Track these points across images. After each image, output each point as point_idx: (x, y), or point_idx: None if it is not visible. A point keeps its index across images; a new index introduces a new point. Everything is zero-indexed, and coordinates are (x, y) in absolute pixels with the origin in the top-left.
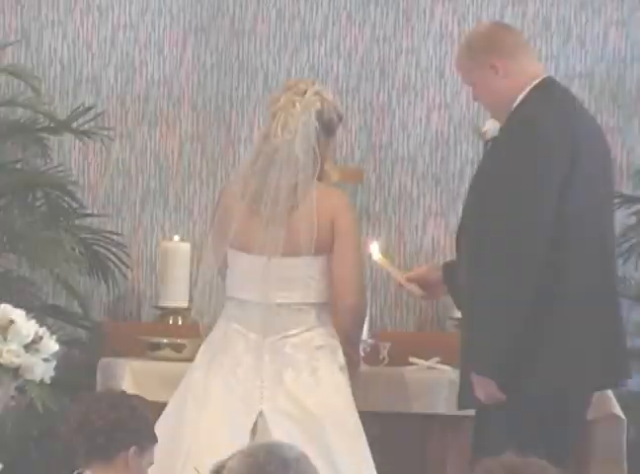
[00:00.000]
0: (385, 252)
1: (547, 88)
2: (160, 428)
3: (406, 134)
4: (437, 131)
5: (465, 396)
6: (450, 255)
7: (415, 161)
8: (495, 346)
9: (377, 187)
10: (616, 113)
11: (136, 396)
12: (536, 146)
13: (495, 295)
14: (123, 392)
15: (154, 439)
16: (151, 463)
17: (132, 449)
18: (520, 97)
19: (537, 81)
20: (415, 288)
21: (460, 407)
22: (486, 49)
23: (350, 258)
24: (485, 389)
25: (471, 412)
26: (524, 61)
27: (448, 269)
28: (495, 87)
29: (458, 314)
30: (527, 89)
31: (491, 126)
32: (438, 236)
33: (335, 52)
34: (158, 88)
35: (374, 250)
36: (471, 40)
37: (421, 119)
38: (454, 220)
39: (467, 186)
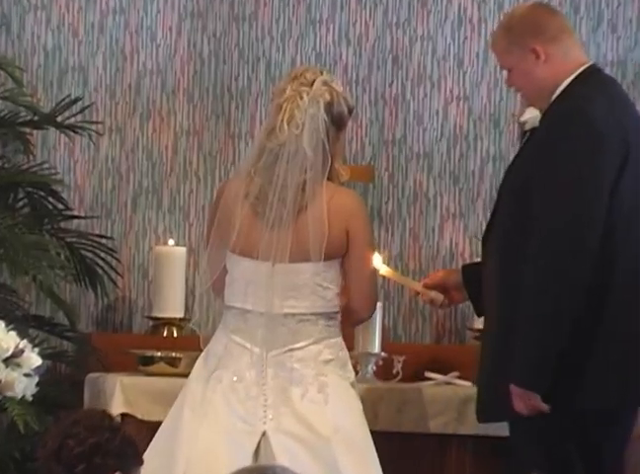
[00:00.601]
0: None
1: (594, 76)
2: (156, 444)
3: (421, 129)
4: (455, 125)
5: (493, 408)
6: (470, 260)
7: (431, 158)
8: (540, 356)
9: (390, 186)
10: None
11: (123, 415)
12: (591, 138)
13: (543, 301)
14: (104, 412)
15: (139, 462)
16: None
17: None
18: (563, 85)
19: (582, 69)
20: (436, 295)
21: (486, 419)
22: (527, 32)
23: (367, 269)
24: (526, 402)
25: (494, 431)
26: (568, 47)
27: (469, 271)
28: (535, 73)
29: (479, 324)
30: (571, 77)
31: (531, 116)
32: (456, 240)
33: (344, 39)
34: (151, 78)
35: (378, 262)
36: (511, 22)
37: (438, 112)
38: (474, 222)
39: (488, 184)
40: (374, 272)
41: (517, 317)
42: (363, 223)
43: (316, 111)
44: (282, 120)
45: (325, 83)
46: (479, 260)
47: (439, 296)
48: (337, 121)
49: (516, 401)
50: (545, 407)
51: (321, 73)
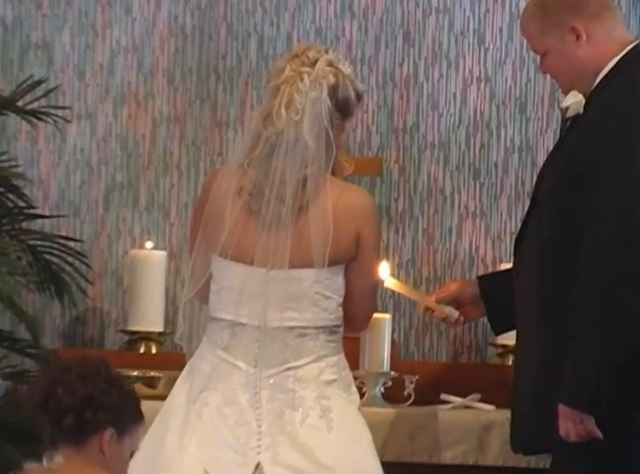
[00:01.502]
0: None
1: None
2: (135, 463)
3: (436, 115)
4: (475, 111)
5: (535, 435)
6: (493, 265)
7: (447, 148)
8: (601, 370)
9: (401, 181)
10: None
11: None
12: None
13: (609, 306)
14: (101, 360)
15: (139, 420)
16: (134, 450)
17: (109, 432)
18: (608, 68)
19: (629, 48)
20: (450, 311)
21: (525, 448)
22: (565, 9)
23: (375, 277)
24: (577, 425)
25: (520, 462)
26: (612, 24)
27: (487, 283)
28: (576, 55)
29: (502, 340)
30: (617, 58)
31: (574, 101)
32: (476, 242)
33: (347, 12)
34: (125, 56)
35: (385, 273)
36: None
37: (455, 96)
38: (497, 222)
39: (513, 178)
40: (377, 284)
41: (568, 329)
42: (375, 226)
43: (318, 94)
44: (280, 105)
45: (330, 63)
46: (503, 266)
47: (453, 312)
48: (342, 108)
49: (563, 424)
50: (599, 433)
51: (326, 52)
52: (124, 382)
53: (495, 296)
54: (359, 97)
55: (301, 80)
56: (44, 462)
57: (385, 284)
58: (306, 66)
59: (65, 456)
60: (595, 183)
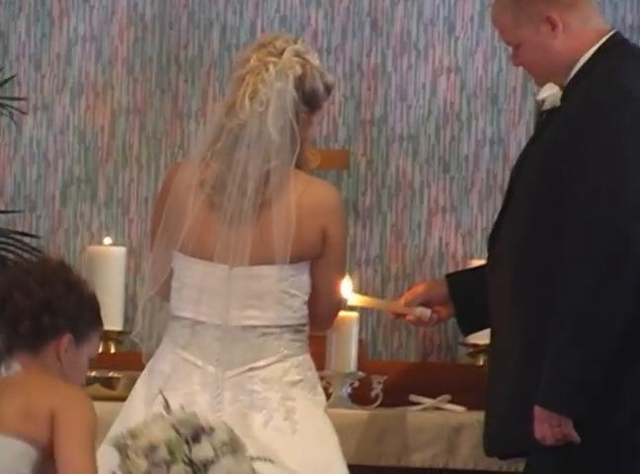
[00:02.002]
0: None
1: (621, 47)
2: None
3: (405, 106)
4: (445, 102)
5: (510, 438)
6: (464, 262)
7: (417, 141)
8: (583, 371)
9: (368, 174)
10: None
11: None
12: (638, 118)
13: (592, 306)
14: (62, 264)
15: (97, 326)
16: (92, 356)
17: (66, 338)
18: (584, 59)
19: (605, 38)
20: (422, 311)
21: (500, 451)
22: None
23: (341, 275)
24: (555, 429)
25: (491, 465)
26: (587, 14)
27: (456, 281)
28: (551, 46)
29: (474, 339)
30: (593, 49)
31: (551, 93)
32: (447, 237)
33: (313, 0)
34: (83, 46)
35: (347, 291)
36: None
37: (424, 87)
38: (468, 217)
39: (484, 172)
40: (341, 282)
41: (547, 328)
42: (342, 222)
43: (284, 85)
44: (244, 96)
45: (297, 53)
46: (474, 262)
47: (425, 312)
48: (309, 100)
49: (539, 427)
50: (577, 436)
51: (295, 42)
52: (85, 287)
53: (464, 296)
54: (327, 89)
55: (267, 70)
56: (2, 370)
57: (349, 303)
58: (273, 56)
59: (22, 363)
60: (577, 179)
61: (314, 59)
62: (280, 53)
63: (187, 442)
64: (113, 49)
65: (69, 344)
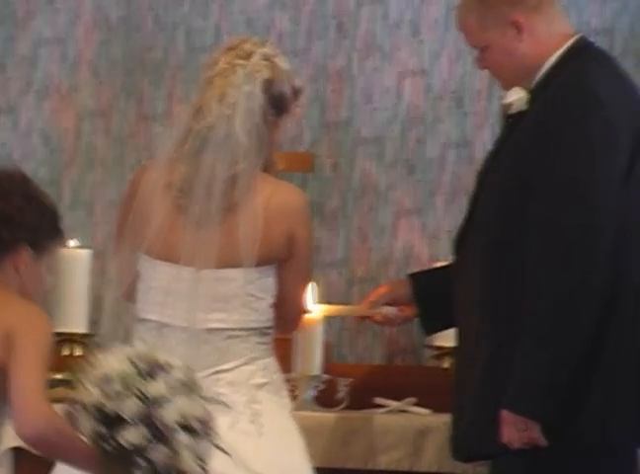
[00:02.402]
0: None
1: (587, 51)
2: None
3: (370, 109)
4: (410, 105)
5: (478, 442)
6: (429, 264)
7: (382, 144)
8: (550, 375)
9: (333, 177)
10: None
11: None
12: (600, 121)
13: (552, 313)
14: (20, 175)
15: (57, 237)
16: (51, 267)
17: (25, 251)
18: (550, 62)
19: (571, 42)
20: (389, 310)
21: (468, 456)
22: (505, 2)
23: (307, 278)
24: (522, 433)
25: (455, 468)
26: (552, 17)
27: (419, 281)
28: (517, 50)
29: (439, 341)
30: (558, 52)
31: (517, 97)
32: (412, 240)
33: (278, 3)
34: (48, 48)
35: (309, 302)
36: None
37: (389, 90)
38: (434, 220)
39: (450, 175)
40: (307, 286)
41: (514, 332)
42: (308, 225)
43: (252, 88)
44: (212, 98)
45: (266, 57)
46: (437, 264)
47: (391, 310)
48: (277, 104)
49: (506, 430)
50: (544, 440)
51: (263, 45)
52: (44, 198)
53: (427, 295)
54: (295, 93)
55: (235, 73)
56: None
57: (314, 315)
58: (241, 59)
59: None
60: (545, 182)
61: (283, 63)
62: (249, 56)
63: (142, 377)
64: (78, 52)
65: (28, 257)
